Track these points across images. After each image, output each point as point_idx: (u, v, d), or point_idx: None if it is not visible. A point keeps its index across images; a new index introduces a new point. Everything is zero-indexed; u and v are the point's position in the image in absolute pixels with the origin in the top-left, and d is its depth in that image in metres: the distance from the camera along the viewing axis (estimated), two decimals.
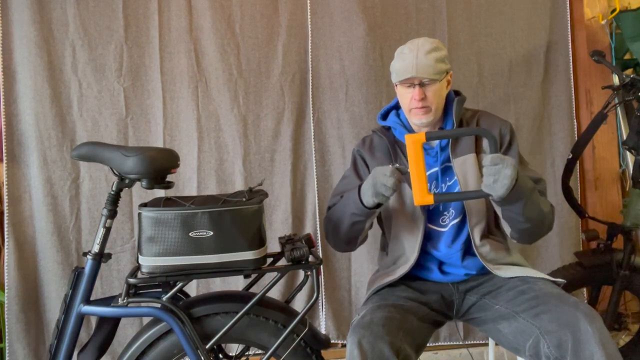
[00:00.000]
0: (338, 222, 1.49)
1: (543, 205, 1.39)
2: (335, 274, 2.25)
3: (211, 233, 1.31)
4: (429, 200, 1.31)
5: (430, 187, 1.52)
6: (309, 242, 1.43)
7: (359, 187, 1.42)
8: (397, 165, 1.37)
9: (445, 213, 1.51)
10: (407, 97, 1.49)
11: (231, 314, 1.40)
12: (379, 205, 1.40)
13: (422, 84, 1.45)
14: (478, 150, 1.50)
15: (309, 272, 1.42)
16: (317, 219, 2.23)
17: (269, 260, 1.50)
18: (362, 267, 2.23)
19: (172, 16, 2.15)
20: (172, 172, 1.41)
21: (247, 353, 1.57)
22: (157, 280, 1.35)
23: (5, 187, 2.05)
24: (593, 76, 2.42)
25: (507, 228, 1.47)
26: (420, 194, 1.32)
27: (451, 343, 2.29)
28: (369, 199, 1.38)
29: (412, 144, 1.31)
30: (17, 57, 2.06)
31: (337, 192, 1.61)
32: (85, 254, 1.42)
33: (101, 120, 2.11)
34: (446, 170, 1.52)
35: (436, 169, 1.52)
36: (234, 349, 2.01)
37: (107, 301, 1.42)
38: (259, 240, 1.36)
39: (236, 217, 1.32)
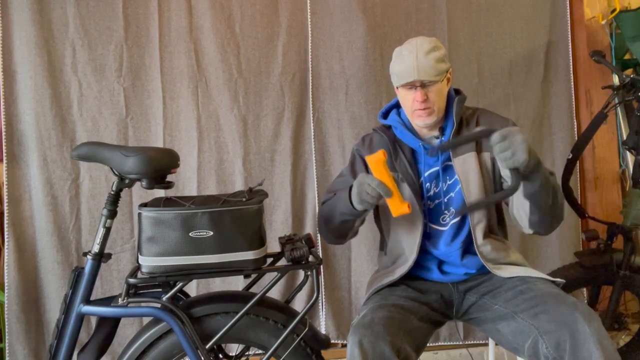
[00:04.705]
0: (329, 218, 1.51)
1: (557, 187, 1.37)
2: (335, 274, 2.25)
3: (211, 233, 1.31)
4: (405, 209, 1.33)
5: (431, 186, 1.52)
6: (309, 242, 1.43)
7: (350, 187, 1.42)
8: (396, 175, 1.37)
9: (446, 212, 1.51)
10: (409, 100, 1.48)
11: (231, 314, 1.40)
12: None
13: (423, 85, 1.45)
14: (479, 150, 1.50)
15: (309, 272, 1.42)
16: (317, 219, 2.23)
17: (269, 260, 1.50)
18: (362, 267, 2.23)
19: (172, 16, 2.16)
20: (172, 172, 1.41)
21: (247, 353, 1.57)
22: (157, 280, 1.35)
23: (5, 187, 2.05)
24: (593, 76, 2.42)
25: (524, 216, 1.42)
26: (395, 207, 1.34)
27: (451, 343, 2.29)
28: (356, 204, 1.39)
29: (375, 163, 1.34)
30: (17, 57, 2.06)
31: (331, 189, 1.62)
32: (85, 254, 1.42)
33: (101, 120, 2.11)
34: (447, 169, 1.52)
35: (437, 168, 1.52)
36: (234, 349, 2.01)
37: (107, 301, 1.42)
38: (259, 240, 1.36)
39: (236, 217, 1.33)
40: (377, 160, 1.33)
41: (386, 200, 1.34)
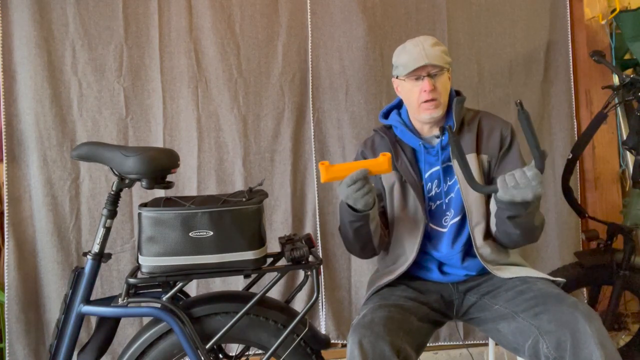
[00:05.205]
0: (345, 233, 1.48)
1: (536, 219, 1.38)
2: (335, 274, 2.25)
3: (211, 233, 1.31)
4: (384, 159, 1.31)
5: (432, 186, 1.52)
6: (309, 242, 1.43)
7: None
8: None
9: (448, 213, 1.51)
10: (415, 92, 1.47)
11: (231, 314, 1.40)
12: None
13: (430, 75, 1.45)
14: (479, 151, 1.50)
15: (309, 272, 1.42)
16: (317, 219, 2.23)
17: (269, 260, 1.50)
18: (362, 267, 2.23)
19: (172, 16, 2.16)
20: (172, 172, 1.41)
21: (247, 353, 1.57)
22: (157, 280, 1.35)
23: (5, 187, 2.05)
24: (593, 76, 2.42)
25: (492, 225, 1.46)
26: (380, 168, 1.32)
27: (451, 343, 2.29)
28: (360, 208, 1.35)
29: (327, 173, 1.32)
30: (17, 57, 2.06)
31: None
32: (85, 254, 1.42)
33: (101, 120, 2.11)
34: (447, 170, 1.52)
35: (437, 167, 1.51)
36: (234, 349, 2.01)
37: (107, 301, 1.42)
38: (259, 240, 1.36)
39: (236, 217, 1.33)
40: (326, 172, 1.32)
41: (371, 175, 1.32)
